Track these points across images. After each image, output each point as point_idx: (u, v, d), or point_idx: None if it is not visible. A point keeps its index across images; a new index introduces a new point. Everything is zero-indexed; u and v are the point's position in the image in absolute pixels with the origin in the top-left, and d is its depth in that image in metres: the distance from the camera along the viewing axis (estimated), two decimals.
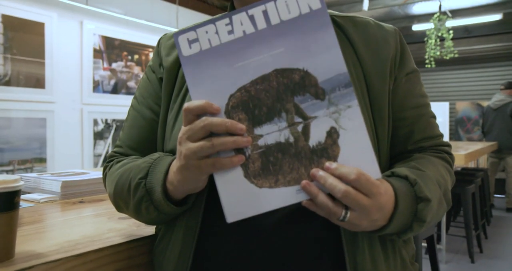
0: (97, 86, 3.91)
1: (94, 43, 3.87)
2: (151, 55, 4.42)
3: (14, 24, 3.25)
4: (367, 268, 0.62)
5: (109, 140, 4.07)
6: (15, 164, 3.33)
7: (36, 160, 3.49)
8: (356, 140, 0.56)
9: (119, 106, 4.13)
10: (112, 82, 4.06)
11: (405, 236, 0.62)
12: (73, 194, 1.12)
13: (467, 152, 3.15)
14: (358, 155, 0.56)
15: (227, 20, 0.57)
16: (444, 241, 3.16)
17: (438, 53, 5.28)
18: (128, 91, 4.21)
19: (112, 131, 4.10)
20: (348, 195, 0.52)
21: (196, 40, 0.58)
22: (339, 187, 0.52)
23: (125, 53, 4.16)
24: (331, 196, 0.54)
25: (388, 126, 0.70)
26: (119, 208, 0.73)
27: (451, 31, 5.25)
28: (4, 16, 3.18)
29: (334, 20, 0.74)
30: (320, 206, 0.54)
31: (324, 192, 0.54)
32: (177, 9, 4.70)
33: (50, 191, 1.13)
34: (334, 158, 0.56)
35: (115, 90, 4.08)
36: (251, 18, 0.57)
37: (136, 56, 4.27)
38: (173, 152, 0.68)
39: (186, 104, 0.56)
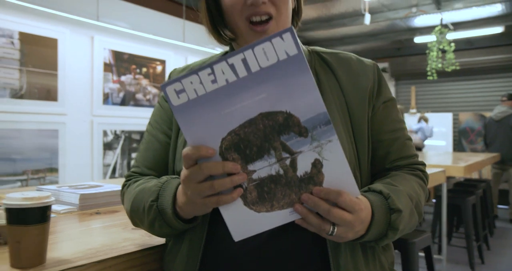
0: (106, 99, 4.05)
1: (104, 57, 4.01)
2: (158, 68, 4.56)
3: (29, 41, 3.40)
4: (349, 270, 0.72)
5: (118, 150, 4.19)
6: (28, 173, 3.45)
7: (48, 170, 3.62)
8: (337, 167, 0.64)
9: (128, 118, 4.25)
10: (121, 94, 4.19)
11: (382, 243, 0.72)
12: (90, 205, 1.22)
13: (466, 164, 3.22)
14: (340, 179, 0.64)
15: (209, 70, 0.60)
16: (445, 251, 3.21)
17: (439, 65, 5.37)
18: (136, 103, 4.34)
19: (121, 142, 4.22)
20: (334, 213, 0.62)
21: (183, 90, 0.61)
22: (326, 207, 0.63)
23: (133, 66, 4.30)
24: (320, 215, 0.64)
25: (368, 148, 0.80)
26: (135, 224, 0.83)
27: (452, 44, 5.34)
28: (21, 33, 3.33)
29: (322, 56, 0.86)
30: (310, 223, 0.65)
31: (313, 212, 0.64)
32: (183, 23, 4.84)
33: (69, 202, 1.24)
34: (319, 184, 0.65)
35: (123, 102, 4.22)
36: (232, 66, 0.60)
37: (144, 69, 4.41)
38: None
39: (184, 151, 0.63)
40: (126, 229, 0.99)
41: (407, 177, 0.80)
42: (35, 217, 0.69)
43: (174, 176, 0.79)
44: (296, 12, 0.87)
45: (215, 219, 0.75)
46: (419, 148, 5.77)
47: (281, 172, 0.64)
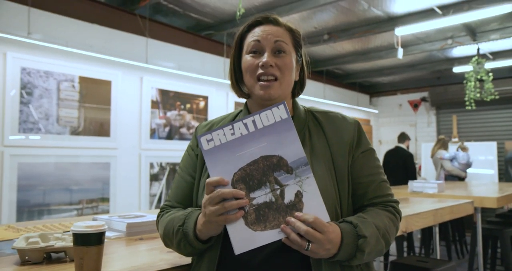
0: (153, 133, 4.41)
1: (152, 96, 4.40)
2: (201, 103, 4.90)
3: (87, 83, 3.83)
4: None
5: (163, 181, 4.50)
6: (83, 203, 3.81)
7: (101, 199, 3.97)
8: (313, 198, 0.88)
9: (173, 151, 4.58)
10: (167, 129, 4.54)
11: (353, 262, 0.91)
12: (135, 232, 1.46)
13: (501, 195, 3.21)
14: (314, 207, 0.88)
15: (230, 127, 0.92)
16: None
17: (478, 95, 5.35)
18: (181, 137, 4.67)
19: (166, 173, 4.53)
20: (308, 232, 0.84)
21: (211, 139, 0.91)
22: (303, 227, 0.84)
23: (178, 103, 4.66)
24: (300, 235, 0.85)
25: (348, 189, 1.01)
26: (166, 245, 1.05)
27: (490, 74, 5.33)
28: (80, 77, 3.78)
29: (315, 115, 1.08)
30: (292, 241, 0.85)
31: (295, 232, 0.85)
32: (224, 61, 5.20)
33: (117, 229, 1.48)
34: (300, 210, 0.88)
35: (169, 136, 4.56)
36: (245, 125, 0.92)
37: (188, 105, 4.76)
38: None
39: (208, 180, 0.89)
40: (163, 252, 1.21)
41: (379, 212, 0.99)
42: (94, 240, 0.93)
43: (197, 208, 1.01)
44: (300, 83, 1.12)
45: (225, 245, 0.96)
46: (460, 177, 5.66)
47: (273, 199, 0.88)
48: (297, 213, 0.86)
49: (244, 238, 0.87)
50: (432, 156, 5.93)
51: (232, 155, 0.90)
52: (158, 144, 4.45)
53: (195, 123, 4.82)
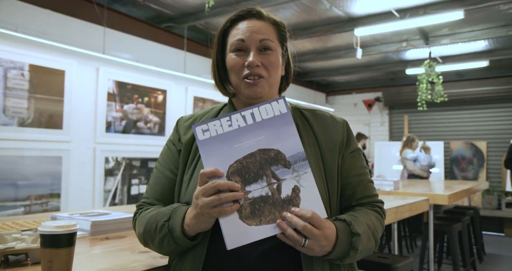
0: (109, 127, 4.23)
1: (108, 88, 4.22)
2: (159, 97, 4.77)
3: (38, 72, 3.61)
4: None
5: (119, 177, 4.34)
6: (32, 199, 3.60)
7: (51, 195, 3.76)
8: (310, 193, 0.86)
9: (129, 145, 4.43)
10: (123, 123, 4.38)
11: (345, 261, 0.90)
12: (100, 231, 1.38)
13: (451, 192, 3.38)
14: (311, 202, 0.86)
15: (228, 118, 0.89)
16: None
17: (429, 96, 5.60)
18: (138, 131, 4.53)
19: (122, 168, 4.38)
20: (306, 228, 0.81)
21: (207, 130, 0.88)
22: (300, 223, 0.82)
23: (136, 96, 4.51)
24: (296, 231, 0.82)
25: (337, 189, 1.00)
26: (146, 244, 0.98)
27: (440, 77, 5.59)
28: (31, 65, 3.55)
29: (302, 112, 1.06)
30: (288, 236, 0.82)
31: (291, 227, 0.83)
32: (184, 55, 5.09)
33: (80, 228, 1.39)
34: (297, 205, 0.85)
35: (125, 130, 4.40)
36: (243, 117, 0.90)
37: (146, 99, 4.62)
38: (188, 203, 0.95)
39: (202, 170, 0.84)
40: (134, 252, 1.15)
41: (368, 211, 0.99)
42: (65, 242, 0.86)
43: (183, 204, 0.96)
44: (286, 78, 1.09)
45: (212, 242, 0.92)
46: (422, 177, 5.85)
47: (270, 193, 0.86)
48: (293, 208, 0.84)
49: (238, 233, 0.83)
50: (400, 154, 6.11)
51: (228, 146, 0.87)
52: (114, 137, 4.29)
53: (152, 117, 4.69)
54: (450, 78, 6.89)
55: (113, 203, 4.26)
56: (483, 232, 5.70)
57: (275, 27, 1.03)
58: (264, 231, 0.84)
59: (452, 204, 6.09)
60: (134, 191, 4.49)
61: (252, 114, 0.89)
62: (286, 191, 0.86)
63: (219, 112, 1.09)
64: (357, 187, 1.02)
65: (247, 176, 0.86)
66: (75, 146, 3.93)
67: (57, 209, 3.79)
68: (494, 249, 5.43)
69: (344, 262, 0.91)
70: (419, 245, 5.33)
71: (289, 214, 0.83)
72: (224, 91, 1.05)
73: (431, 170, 5.90)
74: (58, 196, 3.81)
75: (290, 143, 0.88)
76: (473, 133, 7.01)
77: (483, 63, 6.01)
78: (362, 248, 0.90)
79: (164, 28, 4.92)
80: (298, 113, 1.06)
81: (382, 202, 1.06)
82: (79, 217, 1.44)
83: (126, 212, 1.61)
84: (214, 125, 0.89)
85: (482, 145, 6.82)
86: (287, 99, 0.95)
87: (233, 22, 1.02)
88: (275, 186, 0.86)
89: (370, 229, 0.94)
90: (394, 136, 7.82)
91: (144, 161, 4.61)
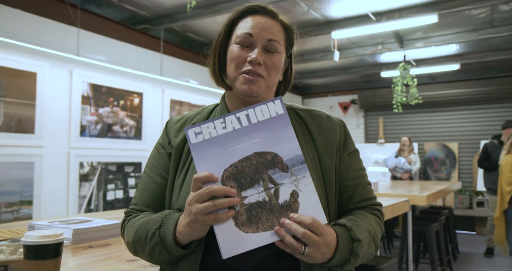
0: (84, 131, 4.11)
1: (83, 90, 4.10)
2: (136, 100, 4.67)
3: (8, 75, 3.46)
4: None
5: (94, 182, 4.22)
6: (2, 206, 3.44)
7: (22, 203, 3.61)
8: (309, 198, 0.83)
9: (105, 149, 4.31)
10: (98, 126, 4.26)
11: (346, 268, 0.87)
12: (82, 239, 1.32)
13: (429, 193, 3.44)
14: (311, 208, 0.82)
15: (221, 120, 0.85)
16: None
17: (404, 99, 5.71)
18: (113, 135, 4.41)
19: (97, 173, 4.25)
20: (306, 235, 0.78)
21: (200, 132, 0.84)
22: (300, 230, 0.78)
23: (111, 99, 4.40)
24: (295, 237, 0.79)
25: (335, 192, 0.96)
26: (135, 252, 0.93)
27: (415, 79, 5.71)
28: (0, 68, 3.40)
29: (297, 112, 1.03)
30: (287, 244, 0.79)
31: (290, 234, 0.79)
32: (161, 57, 5.01)
33: None
34: (296, 211, 0.81)
35: (101, 134, 4.28)
36: (238, 118, 0.85)
37: (121, 102, 4.51)
38: (180, 210, 0.91)
39: (195, 175, 0.80)
40: (121, 261, 1.09)
41: (367, 215, 0.96)
42: (51, 252, 0.80)
43: (175, 210, 0.92)
44: (285, 84, 1.05)
45: (206, 251, 0.88)
46: (411, 177, 5.91)
47: (267, 199, 0.82)
48: (292, 214, 0.80)
49: (234, 241, 0.79)
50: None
51: (222, 150, 0.83)
52: (89, 142, 4.16)
53: (128, 121, 4.59)
54: (423, 81, 7.05)
55: (88, 209, 4.14)
56: (456, 231, 5.83)
57: (284, 30, 1.00)
58: (261, 238, 0.80)
59: (427, 204, 6.23)
60: (110, 196, 4.38)
61: (247, 115, 0.85)
62: (284, 196, 0.82)
63: (211, 113, 1.05)
64: (356, 189, 0.99)
65: (243, 181, 0.82)
66: (48, 151, 3.79)
67: (29, 217, 3.64)
68: (466, 247, 5.56)
69: (344, 269, 0.88)
70: (396, 245, 5.41)
71: (287, 220, 0.80)
72: (220, 81, 1.00)
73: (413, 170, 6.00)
74: (30, 203, 3.66)
75: (288, 146, 0.84)
76: (445, 135, 7.18)
77: (455, 67, 6.17)
78: (363, 254, 0.88)
79: (140, 30, 4.83)
80: (293, 114, 1.02)
81: (380, 205, 1.03)
82: (59, 225, 1.37)
83: (106, 218, 1.55)
84: (208, 127, 0.84)
85: (454, 146, 7.00)
86: None
87: (244, 13, 0.98)
88: (272, 191, 0.82)
89: (370, 234, 0.91)
90: (369, 138, 7.93)
91: (121, 166, 4.50)
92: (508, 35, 4.97)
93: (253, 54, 0.92)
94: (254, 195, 0.81)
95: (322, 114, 1.04)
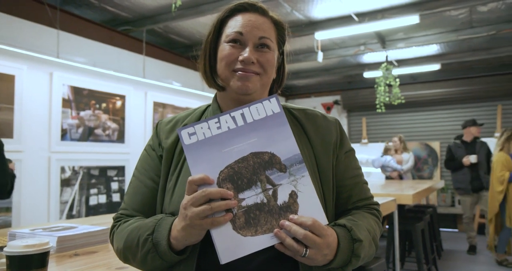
0: (65, 135, 4.01)
1: (63, 93, 4.00)
2: (118, 103, 4.59)
3: None
4: None
5: (76, 187, 4.11)
6: None
7: (1, 210, 3.49)
8: (309, 198, 0.80)
9: (86, 153, 4.21)
10: (80, 130, 4.17)
11: (347, 269, 0.85)
12: (67, 247, 1.26)
13: (415, 192, 3.47)
14: (311, 208, 0.80)
15: (216, 120, 0.82)
16: None
17: (387, 99, 5.76)
18: (96, 139, 4.32)
19: (79, 178, 4.15)
20: (307, 237, 0.75)
21: (194, 133, 0.80)
22: (301, 231, 0.75)
23: (93, 101, 4.31)
24: (295, 239, 0.76)
25: (333, 191, 0.94)
26: (126, 260, 0.89)
27: (397, 79, 5.77)
28: None
29: (291, 112, 1.00)
30: (287, 247, 0.76)
31: (290, 236, 0.77)
32: (143, 59, 4.94)
33: None
34: (295, 212, 0.79)
35: (83, 137, 4.19)
36: (233, 118, 0.82)
37: (103, 105, 4.42)
38: (173, 214, 0.87)
39: (190, 178, 0.77)
40: (110, 269, 1.05)
41: (365, 215, 0.94)
42: (36, 263, 0.76)
43: (168, 215, 0.88)
44: (278, 82, 1.03)
45: (202, 256, 0.84)
46: (400, 177, 5.93)
47: (265, 200, 0.79)
48: (292, 216, 0.78)
49: (232, 245, 0.76)
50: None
51: (217, 150, 0.80)
52: (70, 146, 4.06)
53: (111, 124, 4.50)
54: (405, 81, 7.13)
55: (70, 215, 4.03)
56: (440, 229, 5.90)
57: (275, 27, 0.97)
58: (260, 241, 0.77)
59: (413, 203, 6.30)
60: (93, 201, 4.28)
61: (242, 115, 0.82)
62: (282, 197, 0.79)
63: (203, 114, 1.01)
64: (353, 189, 0.97)
65: (240, 182, 0.78)
66: (27, 155, 3.69)
67: (8, 225, 3.53)
68: (450, 244, 5.64)
69: (345, 270, 0.86)
70: (380, 245, 5.45)
71: (287, 222, 0.77)
72: (212, 82, 0.96)
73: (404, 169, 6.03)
74: (8, 210, 3.54)
75: (285, 145, 0.81)
76: (427, 134, 7.28)
77: (435, 67, 6.26)
78: (364, 254, 0.86)
79: (121, 31, 4.75)
80: (288, 113, 0.99)
81: (377, 204, 1.01)
82: (42, 232, 1.32)
83: (91, 224, 1.50)
84: (201, 128, 0.81)
85: (435, 145, 7.10)
86: None
87: (233, 11, 0.95)
88: (270, 192, 0.79)
89: (370, 234, 0.89)
90: (353, 138, 7.98)
91: (103, 170, 4.41)
92: (487, 36, 5.07)
93: (245, 53, 0.89)
94: (251, 196, 0.78)
95: (317, 113, 1.02)
